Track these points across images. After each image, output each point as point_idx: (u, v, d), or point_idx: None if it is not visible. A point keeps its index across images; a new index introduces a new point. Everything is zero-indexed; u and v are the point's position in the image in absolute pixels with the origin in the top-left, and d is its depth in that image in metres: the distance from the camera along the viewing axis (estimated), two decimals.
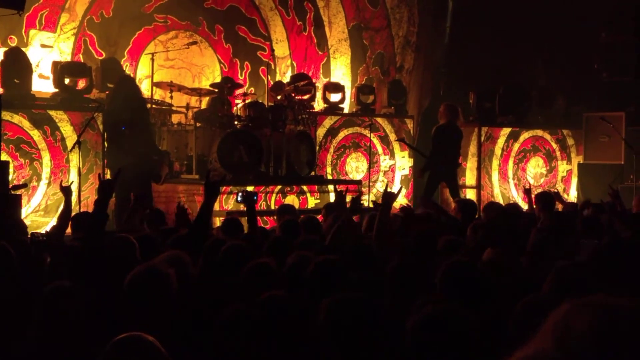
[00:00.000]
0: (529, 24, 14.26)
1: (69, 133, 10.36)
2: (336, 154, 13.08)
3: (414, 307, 3.57)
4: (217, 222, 9.06)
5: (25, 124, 10.13)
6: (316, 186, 11.55)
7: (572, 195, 14.56)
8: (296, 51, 13.94)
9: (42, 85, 11.00)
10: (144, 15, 12.31)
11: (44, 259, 5.23)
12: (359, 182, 12.32)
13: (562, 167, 14.78)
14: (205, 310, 4.08)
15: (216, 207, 9.25)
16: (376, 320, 3.39)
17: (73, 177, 10.22)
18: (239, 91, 12.07)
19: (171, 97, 11.36)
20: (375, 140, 13.41)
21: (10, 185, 8.82)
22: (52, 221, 9.46)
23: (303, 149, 11.54)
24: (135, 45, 12.24)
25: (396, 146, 13.68)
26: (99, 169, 10.39)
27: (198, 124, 11.01)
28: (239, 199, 8.59)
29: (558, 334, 1.53)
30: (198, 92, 11.65)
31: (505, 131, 14.05)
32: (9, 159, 9.53)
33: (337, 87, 13.65)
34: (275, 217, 9.46)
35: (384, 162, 13.67)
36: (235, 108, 11.72)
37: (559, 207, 9.72)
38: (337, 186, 11.12)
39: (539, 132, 14.52)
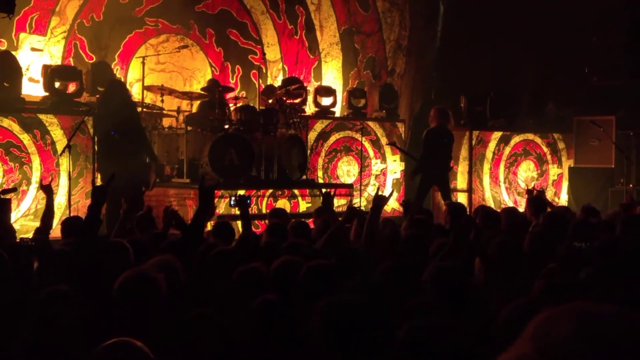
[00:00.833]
0: (520, 28, 14.28)
1: (59, 137, 10.32)
2: (327, 157, 13.07)
3: (403, 311, 3.57)
4: (208, 226, 9.03)
5: (15, 127, 10.09)
6: (307, 190, 11.54)
7: (563, 199, 14.59)
8: (287, 55, 13.94)
9: (32, 88, 10.98)
10: (135, 19, 12.30)
11: (32, 263, 5.21)
12: (350, 186, 12.32)
13: (553, 171, 14.80)
14: (195, 315, 4.06)
15: None
16: (370, 323, 3.39)
17: (63, 181, 10.19)
18: (230, 95, 12.06)
19: (162, 101, 11.34)
20: (367, 144, 13.42)
21: (0, 190, 8.79)
22: None
23: (294, 152, 11.54)
24: (126, 48, 12.23)
25: (387, 150, 13.68)
26: (89, 173, 10.36)
27: (189, 128, 11.00)
28: (232, 203, 8.57)
29: (538, 340, 1.53)
30: (189, 96, 11.65)
31: (497, 135, 14.07)
32: None
33: (329, 91, 13.65)
34: (266, 221, 9.44)
35: (376, 165, 13.68)
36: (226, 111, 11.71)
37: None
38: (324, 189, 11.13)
39: (530, 136, 14.54)
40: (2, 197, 8.60)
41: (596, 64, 14.72)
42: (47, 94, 10.66)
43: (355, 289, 4.38)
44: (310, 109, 13.37)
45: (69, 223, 7.11)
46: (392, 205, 13.27)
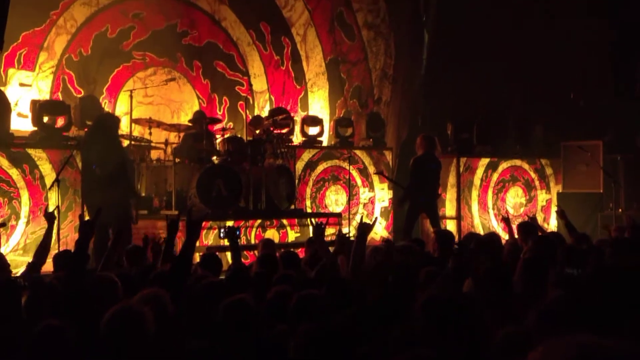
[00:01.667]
0: (504, 54, 14.38)
1: (47, 171, 10.31)
2: (315, 187, 13.10)
3: (392, 340, 3.58)
4: (197, 257, 9.03)
5: (4, 162, 10.08)
6: (296, 220, 11.56)
7: (552, 225, 14.61)
8: (274, 85, 14.01)
9: (21, 123, 10.99)
10: (122, 53, 12.36)
11: (19, 299, 5.20)
12: (338, 215, 12.34)
13: (542, 197, 14.86)
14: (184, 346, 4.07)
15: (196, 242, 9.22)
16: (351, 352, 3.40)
17: None
18: (217, 126, 12.10)
19: (150, 134, 11.37)
20: (355, 173, 13.45)
21: None
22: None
23: (282, 182, 11.56)
24: (114, 82, 12.27)
25: (375, 178, 13.71)
26: (78, 206, 10.35)
27: (177, 160, 11.02)
28: (222, 235, 8.56)
29: None
30: (177, 128, 11.68)
31: (484, 161, 14.13)
32: None
33: (316, 121, 13.71)
34: (255, 252, 9.44)
35: (364, 194, 13.70)
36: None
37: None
38: (313, 219, 11.13)
39: (518, 162, 14.61)
40: None
41: (581, 86, 14.76)
42: (35, 128, 10.68)
43: (343, 317, 4.40)
44: (297, 138, 13.41)
45: (61, 257, 7.14)
46: (380, 232, 13.31)
